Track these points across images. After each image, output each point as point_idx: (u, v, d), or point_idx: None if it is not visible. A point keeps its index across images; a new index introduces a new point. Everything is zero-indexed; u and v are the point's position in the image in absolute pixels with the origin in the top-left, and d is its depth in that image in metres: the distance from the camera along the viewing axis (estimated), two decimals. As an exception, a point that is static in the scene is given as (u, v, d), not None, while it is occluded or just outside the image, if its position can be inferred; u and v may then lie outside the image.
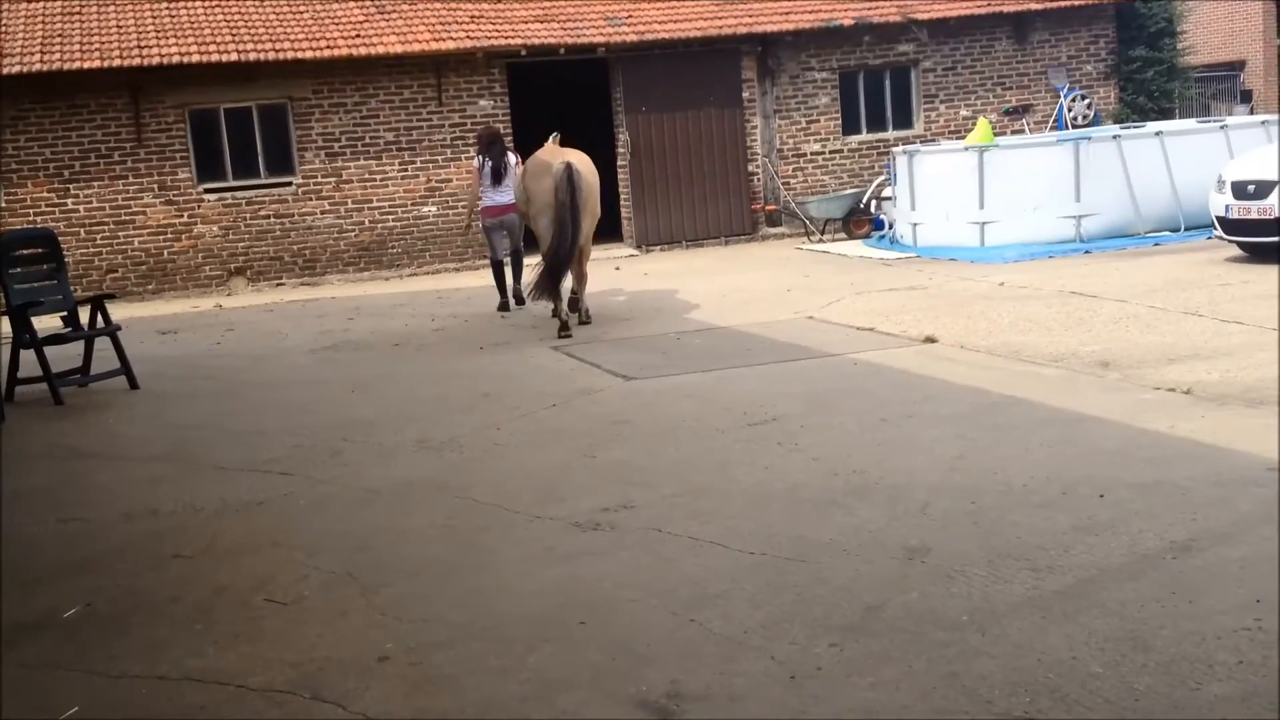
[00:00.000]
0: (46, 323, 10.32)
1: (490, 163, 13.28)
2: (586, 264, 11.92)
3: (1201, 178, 13.64)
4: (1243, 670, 3.65)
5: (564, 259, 11.18)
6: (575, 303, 11.83)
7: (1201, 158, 14.67)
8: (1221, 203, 12.41)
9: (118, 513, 6.42)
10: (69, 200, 16.79)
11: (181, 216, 17.21)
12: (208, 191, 17.30)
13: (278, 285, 17.43)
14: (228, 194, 17.39)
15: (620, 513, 5.69)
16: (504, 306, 13.44)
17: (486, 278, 16.24)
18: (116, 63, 16.43)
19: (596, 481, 6.30)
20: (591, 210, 11.54)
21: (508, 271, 13.55)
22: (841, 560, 4.86)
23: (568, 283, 11.72)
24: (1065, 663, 3.79)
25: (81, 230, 16.80)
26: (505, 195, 13.17)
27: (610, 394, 8.58)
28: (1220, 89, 29.27)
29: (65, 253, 11.56)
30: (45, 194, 16.70)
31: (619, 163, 18.66)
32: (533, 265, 11.97)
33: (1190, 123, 18.31)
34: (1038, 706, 3.53)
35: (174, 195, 17.14)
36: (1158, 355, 8.25)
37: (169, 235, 17.18)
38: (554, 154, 11.70)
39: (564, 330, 11.21)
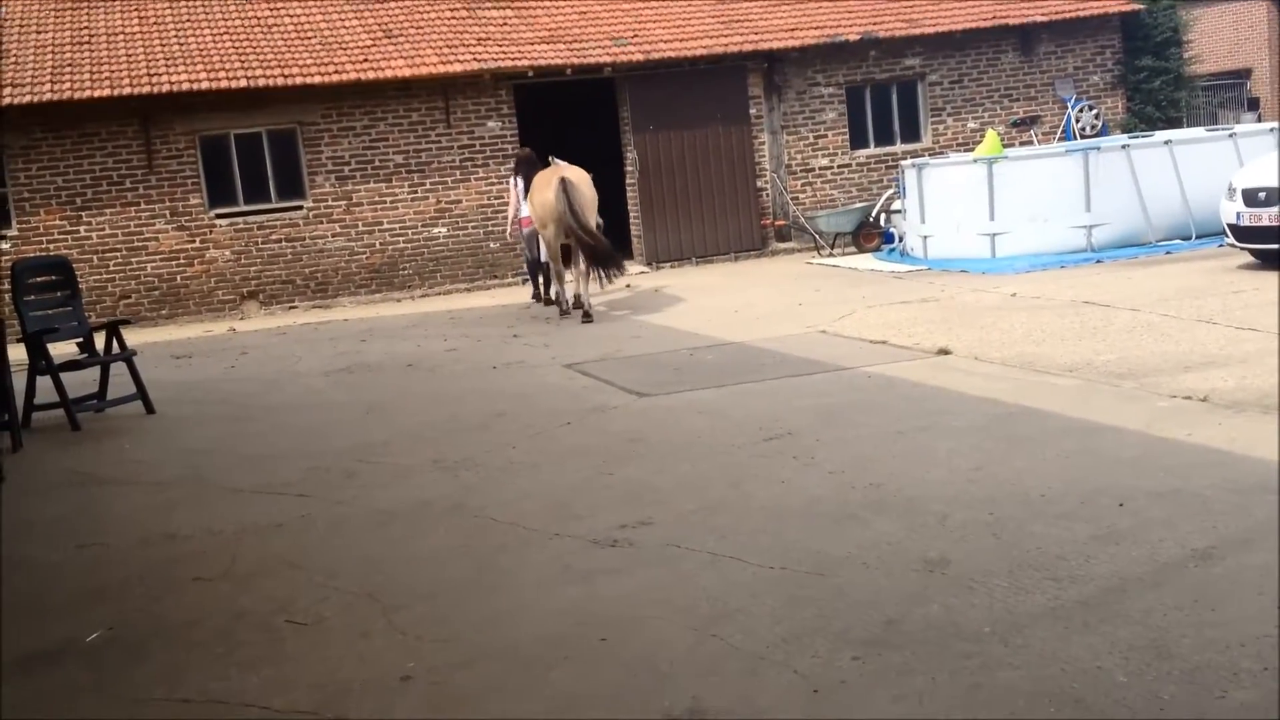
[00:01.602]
0: (62, 349, 10.36)
1: (523, 181, 14.88)
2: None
3: (1211, 185, 13.62)
4: (1267, 677, 3.63)
5: (585, 245, 13.22)
6: (579, 300, 13.60)
7: (1211, 166, 14.65)
8: (1232, 210, 12.38)
9: (136, 538, 6.43)
10: (81, 228, 16.87)
11: (194, 242, 17.28)
12: (219, 217, 17.37)
13: (290, 308, 17.48)
14: (239, 219, 17.45)
15: (638, 529, 5.69)
16: (536, 297, 15.43)
17: (497, 297, 16.39)
18: (127, 91, 16.53)
19: (613, 499, 6.30)
20: (590, 210, 13.36)
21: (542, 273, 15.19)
22: (861, 573, 4.85)
23: (572, 285, 13.86)
24: (1089, 672, 3.78)
25: (95, 257, 16.87)
26: None
27: (624, 411, 8.59)
28: (1227, 97, 29.27)
29: (79, 279, 11.60)
30: (58, 222, 16.78)
31: (628, 181, 18.70)
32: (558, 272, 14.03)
33: (1199, 131, 18.30)
34: (1062, 716, 3.52)
35: (186, 221, 17.21)
36: (1173, 363, 8.23)
37: (181, 260, 17.25)
38: (553, 172, 13.51)
39: (563, 313, 13.61)
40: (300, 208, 17.60)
